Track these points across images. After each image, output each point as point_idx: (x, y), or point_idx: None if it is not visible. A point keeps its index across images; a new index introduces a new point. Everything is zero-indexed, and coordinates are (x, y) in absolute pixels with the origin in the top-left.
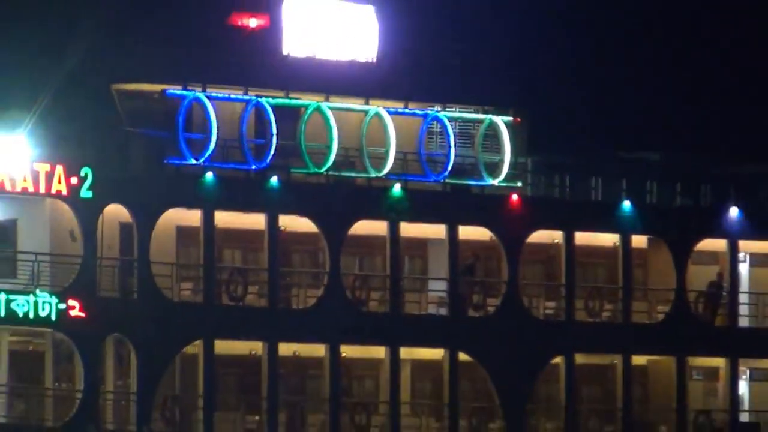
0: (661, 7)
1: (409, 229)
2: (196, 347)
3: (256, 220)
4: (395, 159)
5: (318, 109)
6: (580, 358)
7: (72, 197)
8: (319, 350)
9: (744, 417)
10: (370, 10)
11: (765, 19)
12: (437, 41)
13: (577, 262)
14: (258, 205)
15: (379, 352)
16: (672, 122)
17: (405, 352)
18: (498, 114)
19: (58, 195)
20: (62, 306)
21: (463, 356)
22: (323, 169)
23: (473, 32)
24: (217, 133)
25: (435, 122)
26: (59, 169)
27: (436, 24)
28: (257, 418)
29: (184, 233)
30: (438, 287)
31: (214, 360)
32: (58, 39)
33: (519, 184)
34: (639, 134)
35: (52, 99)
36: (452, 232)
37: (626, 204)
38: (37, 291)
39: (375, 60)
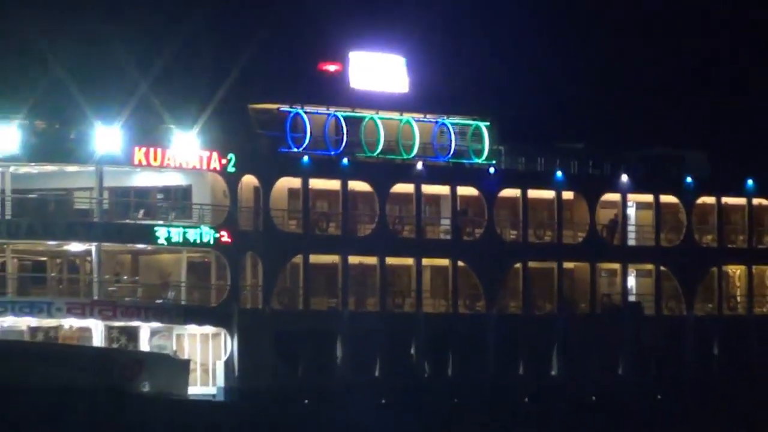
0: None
1: (427, 189)
2: (298, 259)
3: (335, 184)
4: (418, 147)
5: (371, 119)
6: (532, 264)
7: (223, 171)
8: (373, 260)
9: (631, 298)
10: (401, 60)
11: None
12: (442, 77)
13: (529, 207)
14: (335, 175)
15: (410, 261)
16: (591, 123)
17: (426, 261)
18: (480, 120)
19: (215, 170)
20: (217, 235)
21: (460, 263)
22: (375, 153)
23: (465, 70)
24: (311, 133)
25: (443, 126)
26: (215, 155)
27: (442, 66)
28: (336, 300)
29: (291, 192)
30: (445, 223)
31: (309, 267)
32: (218, 74)
33: (494, 161)
34: (570, 130)
35: (212, 111)
36: (453, 191)
37: (559, 173)
38: (203, 226)
39: (406, 89)
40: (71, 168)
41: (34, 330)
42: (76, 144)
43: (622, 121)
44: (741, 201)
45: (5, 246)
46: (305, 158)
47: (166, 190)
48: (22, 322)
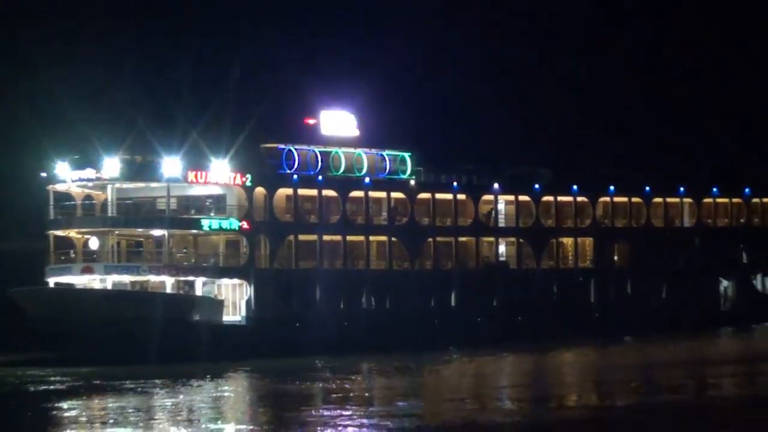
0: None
1: (372, 194)
2: (291, 238)
3: (314, 192)
4: (366, 168)
5: (336, 152)
6: (438, 239)
7: (244, 185)
8: (338, 238)
9: (502, 259)
10: (353, 117)
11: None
12: (380, 125)
13: (436, 204)
14: (314, 186)
15: (362, 238)
16: (476, 152)
17: (372, 238)
18: (405, 152)
19: (239, 185)
20: (241, 224)
21: (393, 239)
22: (339, 173)
23: (394, 121)
24: (298, 161)
25: (381, 156)
26: (239, 175)
27: (379, 118)
28: (315, 262)
29: (287, 197)
30: (384, 215)
31: (299, 242)
32: (240, 125)
33: (414, 177)
34: (463, 156)
35: (237, 148)
36: (389, 195)
37: (455, 184)
38: (232, 219)
39: (357, 133)
40: (152, 184)
41: (134, 284)
42: (154, 170)
43: (496, 150)
44: (569, 199)
45: (113, 232)
46: (295, 176)
47: (210, 197)
48: (125, 279)
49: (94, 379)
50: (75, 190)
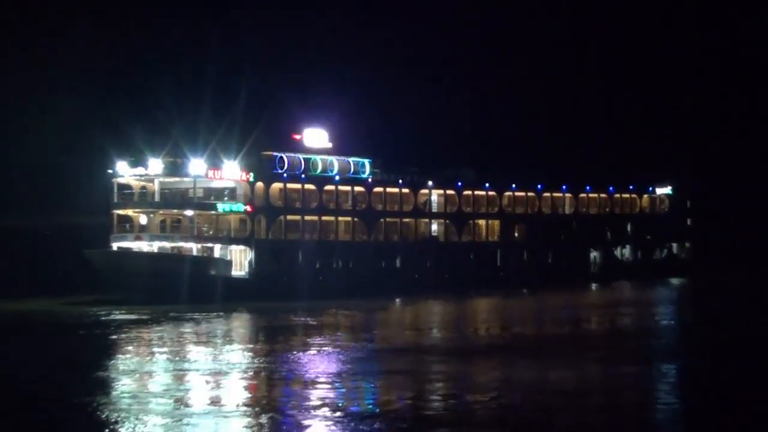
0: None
1: (341, 188)
2: (282, 218)
3: (298, 186)
4: (337, 170)
5: (314, 159)
6: (388, 219)
7: (248, 181)
8: (315, 218)
9: (434, 234)
10: (325, 132)
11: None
12: (346, 138)
13: (387, 195)
14: (299, 182)
15: (332, 218)
16: (417, 159)
17: (340, 218)
18: (365, 158)
19: (245, 180)
20: (246, 208)
21: (356, 219)
22: (317, 173)
23: (357, 133)
24: (287, 164)
25: (347, 161)
26: (244, 173)
27: (346, 133)
28: (299, 234)
29: (279, 189)
30: (349, 202)
31: (287, 221)
32: (246, 137)
33: (371, 176)
34: (408, 161)
35: (244, 154)
36: (352, 189)
37: (401, 181)
38: (240, 204)
39: (330, 145)
40: (184, 179)
41: (172, 248)
42: (185, 169)
43: (431, 158)
44: (483, 192)
45: (158, 212)
46: (285, 175)
47: (225, 189)
48: (165, 245)
49: (165, 313)
50: (132, 182)
